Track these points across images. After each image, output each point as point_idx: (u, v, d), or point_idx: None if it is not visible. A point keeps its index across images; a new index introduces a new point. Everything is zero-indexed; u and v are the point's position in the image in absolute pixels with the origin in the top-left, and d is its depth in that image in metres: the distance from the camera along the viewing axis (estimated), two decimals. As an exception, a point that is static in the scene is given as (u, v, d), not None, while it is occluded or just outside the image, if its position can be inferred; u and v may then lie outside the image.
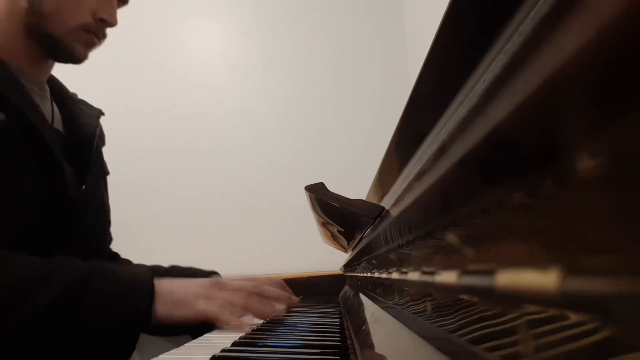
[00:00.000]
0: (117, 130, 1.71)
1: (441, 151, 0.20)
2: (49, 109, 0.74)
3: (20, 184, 0.61)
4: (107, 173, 0.87)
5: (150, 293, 0.60)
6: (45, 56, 0.71)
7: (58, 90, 0.78)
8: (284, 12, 1.88)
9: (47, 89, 0.75)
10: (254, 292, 0.68)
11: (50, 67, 0.75)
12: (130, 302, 0.57)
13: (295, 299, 0.78)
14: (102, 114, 0.84)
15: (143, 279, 0.61)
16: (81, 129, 0.77)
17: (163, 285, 0.62)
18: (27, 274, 0.52)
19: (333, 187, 0.51)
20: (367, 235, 0.54)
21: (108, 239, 0.87)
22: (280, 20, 1.88)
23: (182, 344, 0.52)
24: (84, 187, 0.73)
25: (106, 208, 0.85)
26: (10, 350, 0.51)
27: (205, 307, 0.62)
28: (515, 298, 0.13)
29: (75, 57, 0.71)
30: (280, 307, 0.69)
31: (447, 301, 0.21)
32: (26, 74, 0.69)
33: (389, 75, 1.81)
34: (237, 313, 0.63)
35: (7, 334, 0.50)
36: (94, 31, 0.70)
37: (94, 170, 0.77)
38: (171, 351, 0.47)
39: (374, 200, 0.49)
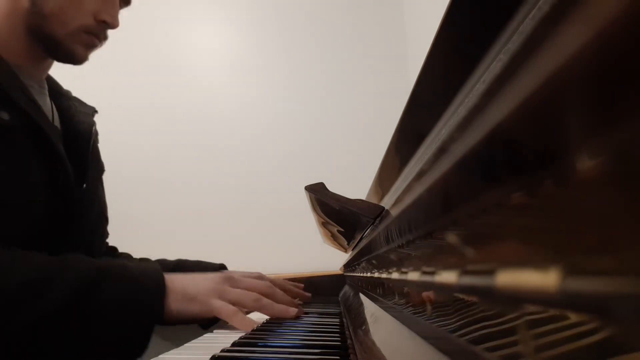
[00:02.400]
0: (116, 128, 1.71)
1: (441, 151, 0.20)
2: (49, 106, 0.74)
3: (25, 183, 0.61)
4: (104, 170, 0.87)
5: (162, 289, 0.59)
6: (44, 55, 0.71)
7: (53, 87, 0.78)
8: (284, 11, 1.88)
9: (46, 85, 0.75)
10: (266, 292, 0.68)
11: (50, 65, 0.75)
12: (142, 299, 0.57)
13: (305, 295, 0.77)
14: (96, 111, 0.84)
15: (154, 275, 0.60)
16: (77, 127, 0.77)
17: (174, 280, 0.61)
18: (37, 273, 0.52)
19: (333, 187, 0.51)
20: (367, 235, 0.54)
21: (106, 235, 0.88)
22: (279, 19, 1.88)
23: (182, 344, 0.52)
24: (84, 185, 0.73)
25: (104, 205, 0.85)
26: (20, 351, 0.50)
27: (218, 305, 0.61)
28: (515, 298, 0.13)
29: (76, 59, 0.71)
30: (292, 311, 0.68)
31: (447, 301, 0.21)
32: (25, 71, 0.69)
33: (389, 75, 1.81)
34: (249, 310, 0.63)
35: (17, 334, 0.50)
36: (95, 33, 0.70)
37: (92, 168, 0.77)
38: (171, 351, 0.47)
39: (374, 200, 0.49)
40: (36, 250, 0.57)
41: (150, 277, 0.60)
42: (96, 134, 0.82)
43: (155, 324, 0.58)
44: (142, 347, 0.57)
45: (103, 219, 0.85)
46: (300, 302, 0.80)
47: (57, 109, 0.76)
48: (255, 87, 1.83)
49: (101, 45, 0.73)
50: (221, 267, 0.89)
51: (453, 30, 0.18)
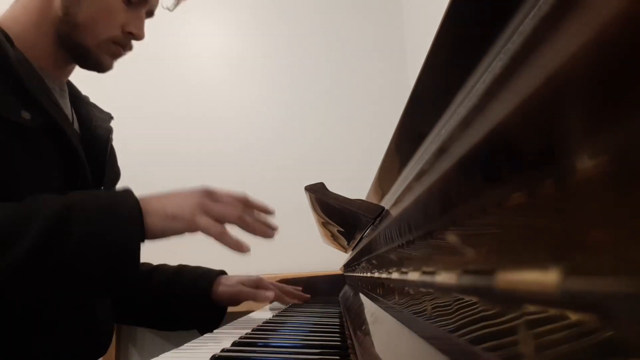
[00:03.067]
0: (118, 129, 1.71)
1: (441, 151, 0.20)
2: (69, 110, 0.75)
3: (44, 183, 0.62)
4: (119, 177, 0.88)
5: (136, 212, 0.57)
6: (69, 61, 0.73)
7: (72, 92, 0.79)
8: (283, 12, 1.88)
9: (67, 89, 0.76)
10: (246, 203, 0.67)
11: (72, 70, 0.76)
12: (117, 225, 0.55)
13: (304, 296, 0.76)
14: (112, 117, 0.86)
15: (126, 199, 0.58)
16: (95, 132, 0.78)
17: (151, 201, 0.60)
18: (6, 219, 0.51)
19: (333, 187, 0.51)
20: (367, 235, 0.54)
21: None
22: (279, 21, 1.88)
23: (182, 344, 0.52)
24: (102, 188, 0.74)
25: None
26: (4, 294, 0.50)
27: (204, 223, 0.60)
28: (515, 298, 0.13)
29: (103, 67, 0.73)
30: (270, 233, 0.67)
31: (447, 301, 0.21)
32: (49, 74, 0.70)
33: (389, 75, 1.81)
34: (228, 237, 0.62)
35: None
36: (122, 43, 0.72)
37: (109, 174, 0.78)
38: (171, 351, 0.47)
39: (374, 200, 0.49)
40: None
41: (122, 201, 0.57)
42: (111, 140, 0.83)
43: (139, 242, 0.56)
44: (132, 273, 0.55)
45: None
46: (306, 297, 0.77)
47: (76, 114, 0.78)
48: (255, 87, 1.83)
49: (125, 54, 0.75)
50: (221, 274, 0.89)
51: (453, 30, 0.18)
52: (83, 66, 0.74)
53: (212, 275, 0.86)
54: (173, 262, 0.93)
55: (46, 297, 0.54)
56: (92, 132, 0.77)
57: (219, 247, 0.63)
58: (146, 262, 0.93)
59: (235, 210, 0.64)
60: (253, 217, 0.66)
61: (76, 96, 0.80)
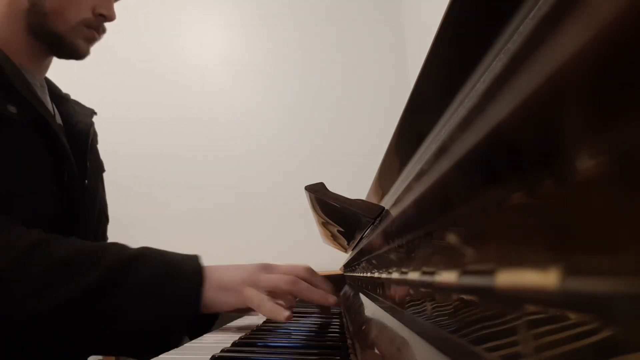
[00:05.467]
0: (119, 130, 1.71)
1: (441, 151, 0.20)
2: (50, 106, 0.75)
3: (33, 176, 0.62)
4: (104, 170, 0.88)
5: (199, 276, 0.57)
6: (45, 53, 0.72)
7: (52, 90, 0.80)
8: (283, 14, 1.88)
9: (46, 85, 0.76)
10: (304, 276, 0.64)
11: (49, 64, 0.76)
12: (179, 284, 0.55)
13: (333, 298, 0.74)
14: (95, 113, 0.86)
15: (192, 262, 0.59)
16: (76, 127, 0.78)
17: (212, 269, 0.59)
18: (75, 254, 0.52)
19: (333, 187, 0.51)
20: (367, 235, 0.54)
21: (106, 235, 0.89)
22: (279, 22, 1.88)
23: (182, 344, 0.52)
24: (86, 182, 0.75)
25: (104, 204, 0.86)
26: (53, 331, 0.50)
27: (249, 294, 0.58)
28: (515, 298, 0.13)
29: (79, 53, 0.73)
30: (332, 299, 0.64)
31: (447, 301, 0.21)
32: (27, 70, 0.70)
33: (389, 76, 1.81)
34: (283, 298, 0.60)
35: (52, 313, 0.49)
36: (95, 26, 0.72)
37: (92, 167, 0.79)
38: (171, 351, 0.47)
39: (374, 200, 0.49)
40: None
41: (188, 263, 0.58)
42: (95, 134, 0.83)
43: (193, 312, 0.55)
44: (179, 334, 0.54)
45: (104, 218, 0.86)
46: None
47: (58, 110, 0.78)
48: (256, 88, 1.83)
49: (100, 39, 0.75)
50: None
51: (453, 30, 0.18)
52: (60, 55, 0.73)
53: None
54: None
55: (81, 344, 0.52)
56: (74, 127, 0.78)
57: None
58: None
59: (287, 278, 0.62)
60: (318, 282, 0.64)
61: (56, 93, 0.80)
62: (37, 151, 0.63)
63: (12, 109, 0.60)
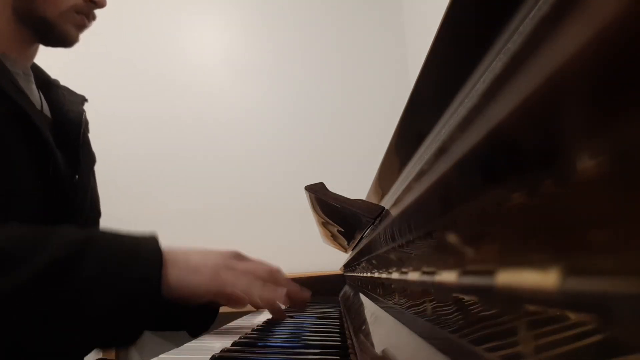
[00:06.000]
0: (113, 127, 1.71)
1: (441, 151, 0.20)
2: (36, 95, 0.72)
3: (15, 173, 0.59)
4: (95, 161, 0.84)
5: (158, 256, 0.52)
6: (31, 41, 0.69)
7: (40, 76, 0.76)
8: (283, 14, 1.88)
9: (31, 73, 0.73)
10: (272, 276, 0.62)
11: (35, 52, 0.73)
12: (137, 266, 0.50)
13: (305, 295, 0.70)
14: (86, 100, 0.82)
15: (150, 244, 0.53)
16: (66, 116, 0.74)
17: (175, 251, 0.55)
18: (16, 242, 0.46)
19: (333, 187, 0.51)
20: (367, 235, 0.54)
21: (98, 229, 0.84)
22: (279, 22, 1.88)
23: (182, 344, 0.52)
24: (77, 177, 0.71)
25: (96, 198, 0.82)
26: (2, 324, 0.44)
27: (227, 277, 0.55)
28: (515, 298, 0.13)
29: (69, 40, 0.69)
30: (307, 294, 0.62)
31: (447, 301, 0.21)
32: (11, 59, 0.67)
33: (389, 76, 1.81)
34: (257, 291, 0.57)
35: None
36: (85, 12, 0.69)
37: (84, 159, 0.75)
38: (171, 351, 0.47)
39: (374, 200, 0.49)
40: None
41: (145, 245, 0.53)
42: (86, 123, 0.79)
43: (154, 296, 0.50)
44: (140, 325, 0.50)
45: (96, 212, 0.81)
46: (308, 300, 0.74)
47: (46, 98, 0.74)
48: (256, 87, 1.83)
49: (90, 25, 0.72)
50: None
51: (453, 30, 0.18)
52: (48, 43, 0.70)
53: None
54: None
55: (38, 337, 0.46)
56: (64, 116, 0.74)
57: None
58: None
59: (267, 267, 0.60)
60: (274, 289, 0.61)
61: (45, 80, 0.77)
62: (16, 145, 0.59)
63: None
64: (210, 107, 1.81)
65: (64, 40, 0.69)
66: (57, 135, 0.69)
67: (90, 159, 0.81)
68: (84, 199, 0.73)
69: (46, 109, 0.73)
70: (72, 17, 0.68)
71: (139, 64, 1.80)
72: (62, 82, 0.81)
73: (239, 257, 0.61)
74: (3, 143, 0.58)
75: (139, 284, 0.49)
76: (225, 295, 0.55)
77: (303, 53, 1.85)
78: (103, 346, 0.53)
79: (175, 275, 0.52)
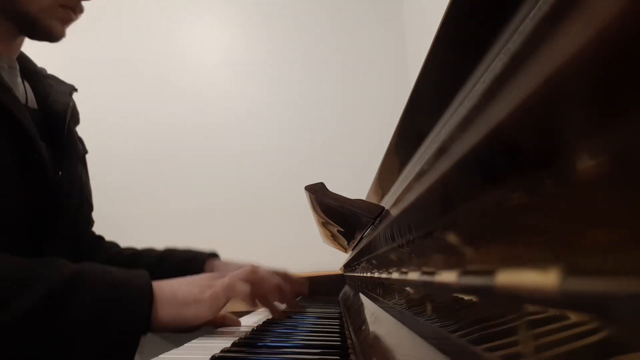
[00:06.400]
0: (113, 127, 1.71)
1: (441, 151, 0.20)
2: (21, 88, 0.70)
3: None
4: (85, 152, 0.82)
5: (148, 296, 0.53)
6: (15, 33, 0.67)
7: (26, 66, 0.74)
8: (282, 13, 1.88)
9: (17, 66, 0.71)
10: (255, 278, 0.64)
11: (20, 44, 0.71)
12: (126, 307, 0.51)
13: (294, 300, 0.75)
14: (75, 89, 0.79)
15: (140, 281, 0.54)
16: (52, 107, 0.72)
17: (163, 287, 0.56)
18: (6, 276, 0.47)
19: (333, 187, 0.51)
20: (367, 235, 0.54)
21: (90, 223, 0.83)
22: (278, 21, 1.88)
23: (182, 344, 0.52)
24: (60, 172, 0.69)
25: (87, 191, 0.80)
26: None
27: (212, 291, 0.57)
28: (515, 298, 0.13)
29: (54, 35, 0.67)
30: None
31: (447, 301, 0.21)
32: None
33: (389, 76, 1.81)
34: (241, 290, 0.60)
35: None
36: (71, 6, 0.67)
37: (69, 152, 0.73)
38: (171, 351, 0.47)
39: (374, 200, 0.49)
40: (14, 241, 0.54)
41: (134, 282, 0.54)
42: (74, 113, 0.78)
43: (142, 334, 0.53)
44: (128, 357, 0.51)
45: (87, 206, 0.79)
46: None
47: (33, 89, 0.72)
48: (255, 88, 1.83)
49: (77, 19, 0.69)
50: (212, 255, 0.82)
51: (453, 30, 0.18)
52: (33, 37, 0.68)
53: (201, 258, 0.79)
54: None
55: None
56: (50, 107, 0.72)
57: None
58: (130, 247, 0.87)
59: (246, 269, 0.62)
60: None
61: (31, 70, 0.74)
62: (1, 144, 0.58)
63: None
64: (210, 106, 1.81)
65: (49, 34, 0.66)
66: (42, 127, 0.67)
67: (77, 150, 0.78)
68: (70, 193, 0.71)
69: (32, 100, 0.71)
70: (56, 12, 0.65)
71: (138, 64, 1.80)
72: None
73: (219, 274, 0.62)
74: None
75: (128, 323, 0.50)
76: (216, 321, 0.59)
77: (303, 53, 1.85)
78: None
79: (168, 313, 0.54)
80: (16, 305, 0.45)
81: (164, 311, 0.54)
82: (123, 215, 1.54)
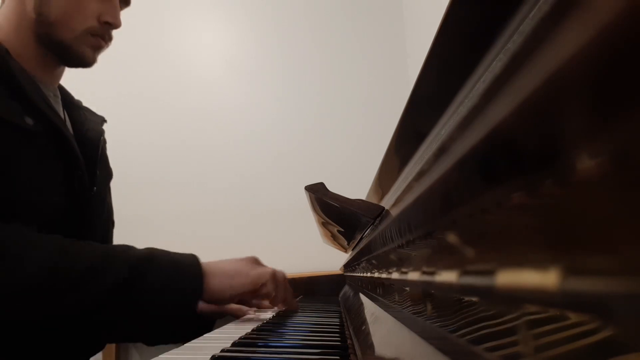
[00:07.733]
0: (115, 128, 1.71)
1: (441, 151, 0.20)
2: (62, 113, 0.77)
3: (46, 186, 0.65)
4: (111, 176, 0.91)
5: (199, 270, 0.66)
6: (56, 63, 0.74)
7: (65, 97, 0.81)
8: (282, 12, 1.88)
9: (59, 94, 0.78)
10: (280, 278, 0.76)
11: (61, 74, 0.78)
12: (183, 280, 0.64)
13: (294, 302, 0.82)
14: (105, 121, 0.89)
15: (191, 259, 0.68)
16: (86, 135, 0.80)
17: (210, 264, 0.68)
18: (96, 260, 0.59)
19: (333, 187, 0.51)
20: (367, 235, 0.54)
21: (110, 237, 0.92)
22: (278, 20, 1.88)
23: (182, 343, 0.52)
24: (95, 188, 0.77)
25: (111, 209, 0.89)
26: (78, 329, 0.58)
27: (260, 270, 0.70)
28: (515, 298, 0.13)
29: (86, 61, 0.74)
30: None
31: (447, 301, 0.21)
32: (40, 81, 0.72)
33: (389, 76, 1.81)
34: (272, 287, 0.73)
35: (75, 314, 0.56)
36: (101, 34, 0.74)
37: (101, 174, 0.81)
38: (171, 351, 0.47)
39: (374, 200, 0.49)
40: None
41: (187, 261, 0.67)
42: (104, 141, 0.87)
43: (199, 298, 0.64)
44: (190, 325, 0.63)
45: (110, 223, 0.89)
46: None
47: (69, 118, 0.80)
48: (256, 87, 1.83)
49: (107, 46, 0.77)
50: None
51: (453, 30, 0.18)
52: (68, 64, 0.76)
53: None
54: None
55: (114, 332, 0.63)
56: (84, 134, 0.80)
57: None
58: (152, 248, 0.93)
59: (280, 272, 0.75)
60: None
61: (69, 101, 0.82)
62: (50, 161, 0.66)
63: (29, 120, 0.63)
64: (211, 107, 1.81)
65: (82, 61, 0.74)
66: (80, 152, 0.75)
67: (107, 174, 0.88)
68: (101, 210, 0.81)
69: (69, 127, 0.78)
70: (88, 40, 0.73)
71: (139, 65, 1.80)
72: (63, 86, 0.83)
73: (257, 261, 0.75)
74: (39, 158, 0.65)
75: (186, 293, 0.64)
76: (257, 290, 0.70)
77: (303, 52, 1.85)
78: (156, 336, 0.68)
79: (217, 283, 0.67)
80: (101, 285, 0.58)
81: (215, 280, 0.67)
82: (123, 216, 1.53)
